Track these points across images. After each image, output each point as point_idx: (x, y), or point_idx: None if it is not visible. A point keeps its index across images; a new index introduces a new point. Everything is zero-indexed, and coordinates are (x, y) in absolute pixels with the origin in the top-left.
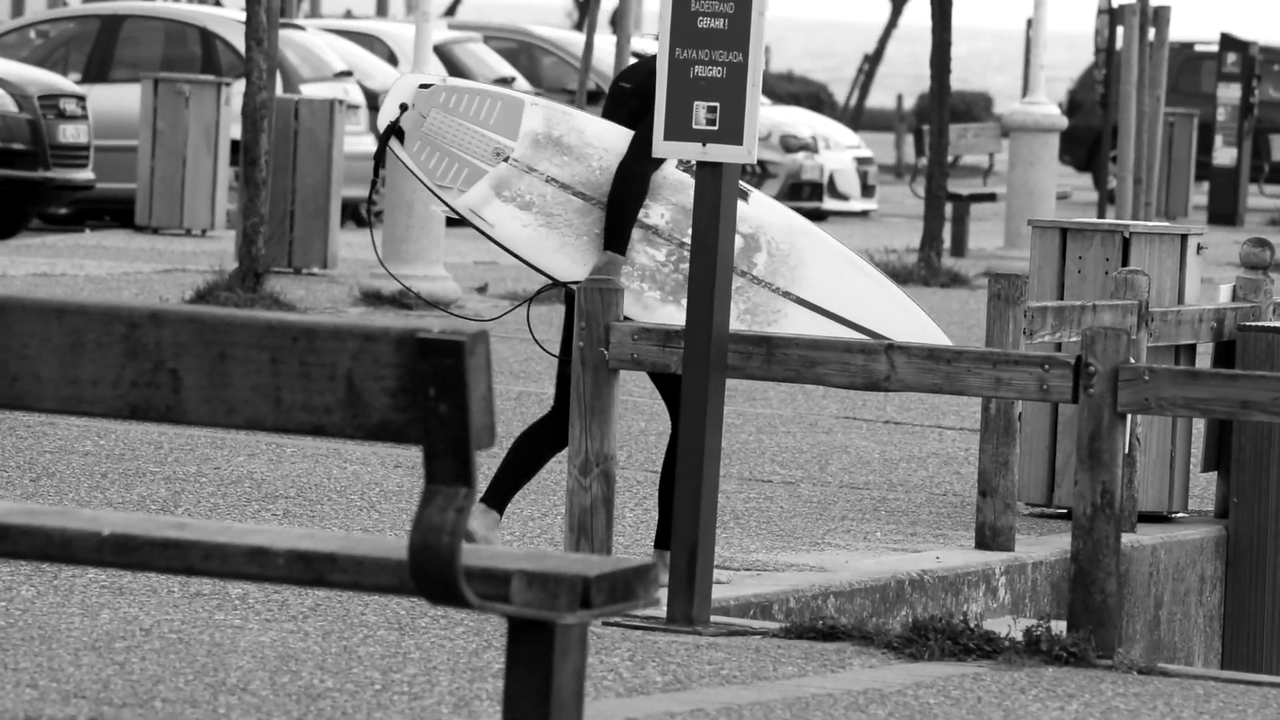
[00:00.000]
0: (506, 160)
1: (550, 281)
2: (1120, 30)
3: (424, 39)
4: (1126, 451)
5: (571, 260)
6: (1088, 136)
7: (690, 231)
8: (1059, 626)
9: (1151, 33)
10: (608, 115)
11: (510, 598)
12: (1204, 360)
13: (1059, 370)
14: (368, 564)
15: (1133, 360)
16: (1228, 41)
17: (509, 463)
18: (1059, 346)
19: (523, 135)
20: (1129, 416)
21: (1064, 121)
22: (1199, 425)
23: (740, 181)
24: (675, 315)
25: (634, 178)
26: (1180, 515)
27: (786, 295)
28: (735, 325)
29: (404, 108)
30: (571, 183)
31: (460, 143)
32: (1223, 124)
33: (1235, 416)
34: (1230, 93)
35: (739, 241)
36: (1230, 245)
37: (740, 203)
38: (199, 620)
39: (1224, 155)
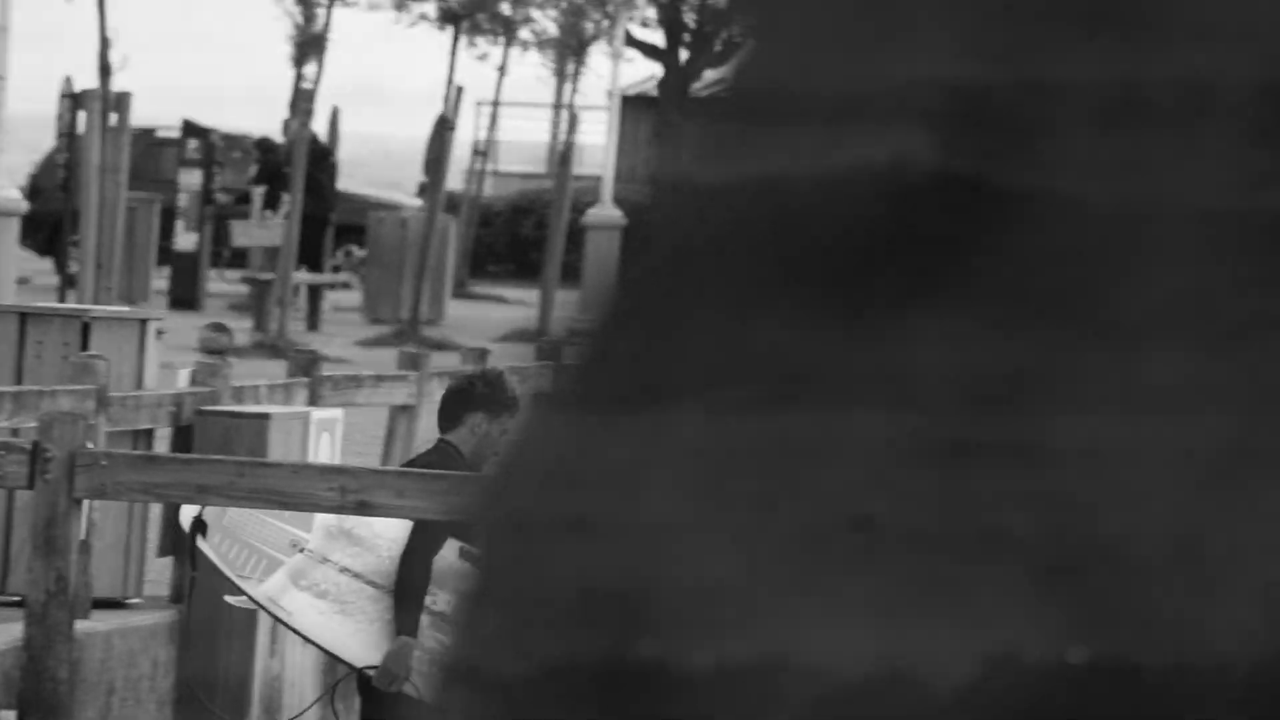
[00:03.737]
0: (302, 551)
1: (348, 669)
2: (82, 115)
3: None
4: (83, 537)
5: (363, 645)
6: (49, 220)
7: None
8: (10, 716)
9: (114, 118)
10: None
11: None
12: (163, 445)
13: (15, 456)
14: None
15: (91, 445)
16: (190, 128)
17: None
18: (16, 432)
19: (316, 527)
20: (85, 502)
21: (24, 205)
22: (157, 510)
23: None
24: None
25: (416, 564)
26: (136, 601)
27: None
28: None
29: None
30: (364, 572)
31: (258, 535)
32: (184, 209)
33: (193, 501)
34: (192, 178)
35: None
36: (191, 330)
37: None
38: None
39: (185, 240)
